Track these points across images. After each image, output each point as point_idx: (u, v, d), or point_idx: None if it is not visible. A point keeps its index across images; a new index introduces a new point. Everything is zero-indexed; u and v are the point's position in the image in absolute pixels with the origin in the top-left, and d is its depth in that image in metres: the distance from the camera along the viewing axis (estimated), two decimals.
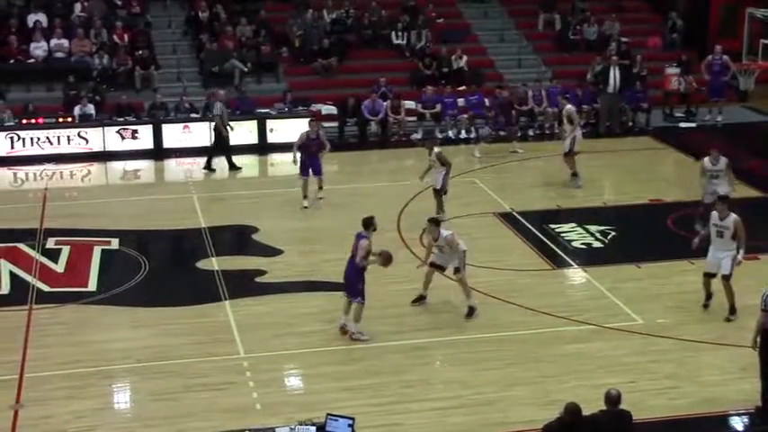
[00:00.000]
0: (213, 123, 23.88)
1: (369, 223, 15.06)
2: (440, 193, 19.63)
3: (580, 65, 28.88)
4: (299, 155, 21.01)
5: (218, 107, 23.74)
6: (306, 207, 20.78)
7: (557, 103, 26.51)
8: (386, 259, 14.92)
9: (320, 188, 21.05)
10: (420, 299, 16.21)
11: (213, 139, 24.09)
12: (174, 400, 13.29)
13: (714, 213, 15.45)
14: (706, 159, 18.42)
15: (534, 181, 22.96)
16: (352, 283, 14.97)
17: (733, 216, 15.28)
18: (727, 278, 15.31)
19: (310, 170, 20.78)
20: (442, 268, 16.01)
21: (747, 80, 23.14)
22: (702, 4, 31.69)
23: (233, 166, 23.88)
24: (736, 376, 13.75)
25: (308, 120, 22.21)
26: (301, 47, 28.94)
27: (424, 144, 21.02)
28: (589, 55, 29.00)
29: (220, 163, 24.00)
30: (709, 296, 15.69)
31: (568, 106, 22.51)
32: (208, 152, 24.07)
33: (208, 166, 23.84)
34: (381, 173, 23.92)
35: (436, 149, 19.80)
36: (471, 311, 15.73)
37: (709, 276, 15.52)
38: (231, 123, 23.97)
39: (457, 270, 15.72)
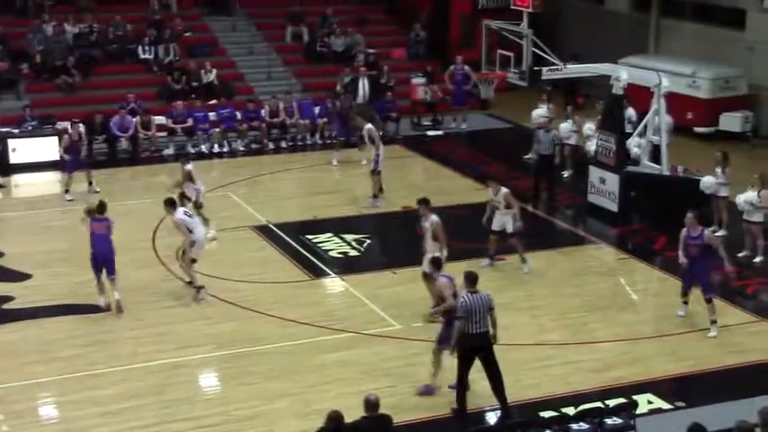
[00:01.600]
0: None
1: (105, 208, 16.78)
2: (196, 205, 19.51)
3: (329, 76, 29.28)
4: (66, 156, 22.56)
5: None
6: (71, 200, 21.73)
7: (309, 114, 26.82)
8: None
9: (91, 182, 22.51)
10: (189, 283, 16.94)
11: None
12: None
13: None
14: (490, 190, 18.17)
15: (289, 193, 23.10)
16: (112, 260, 16.35)
17: (432, 217, 15.98)
18: (425, 276, 15.91)
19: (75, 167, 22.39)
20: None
21: (487, 89, 24.14)
22: (442, 16, 32.89)
23: None
24: None
25: (68, 128, 23.23)
26: (43, 62, 27.90)
27: (178, 160, 20.86)
28: (337, 66, 29.49)
29: None
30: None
31: (368, 126, 22.01)
32: None
33: None
34: (133, 190, 23.36)
35: (188, 166, 19.66)
36: (198, 290, 16.55)
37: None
38: None
39: (184, 253, 16.81)
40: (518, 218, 17.94)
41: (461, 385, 13.29)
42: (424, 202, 16.31)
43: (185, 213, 17.04)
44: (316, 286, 17.87)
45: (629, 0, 31.69)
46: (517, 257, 18.16)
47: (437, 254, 15.36)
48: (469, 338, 13.03)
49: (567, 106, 25.17)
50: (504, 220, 17.91)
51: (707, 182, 19.73)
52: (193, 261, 16.85)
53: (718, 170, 19.72)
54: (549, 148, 22.41)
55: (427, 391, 13.77)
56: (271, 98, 27.30)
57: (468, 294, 13.03)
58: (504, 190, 17.95)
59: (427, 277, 15.76)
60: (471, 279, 13.16)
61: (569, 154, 23.93)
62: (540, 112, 24.66)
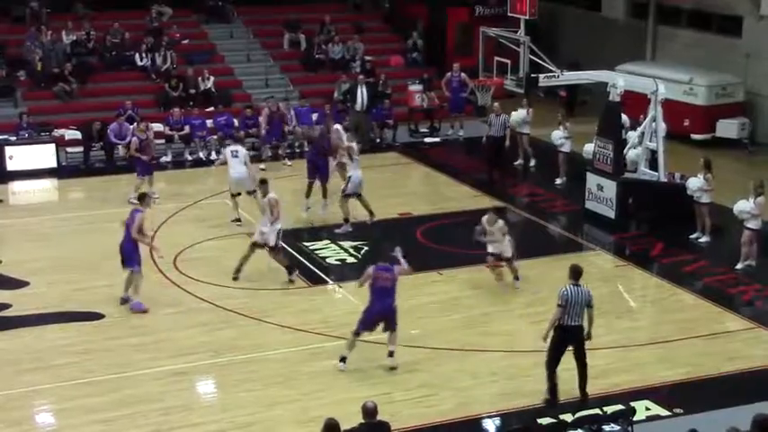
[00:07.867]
0: None
1: (143, 198, 17.21)
2: None
3: (327, 83, 29.32)
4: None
5: None
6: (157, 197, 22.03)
7: (307, 121, 26.80)
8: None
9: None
10: None
11: None
12: None
13: None
14: (486, 216, 17.65)
15: (286, 199, 22.97)
16: (129, 254, 16.41)
17: (268, 195, 17.73)
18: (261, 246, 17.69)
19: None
20: None
21: (485, 95, 24.15)
22: (440, 24, 32.93)
23: None
24: (487, 380, 14.37)
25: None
26: (41, 70, 27.90)
27: None
28: (335, 74, 29.51)
29: None
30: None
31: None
32: None
33: None
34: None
35: None
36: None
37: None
38: None
39: None
40: (510, 245, 17.59)
41: (550, 375, 13.47)
42: (262, 182, 18.32)
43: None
44: (313, 293, 17.84)
45: (626, 7, 31.76)
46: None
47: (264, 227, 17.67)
48: (563, 329, 13.27)
49: (558, 112, 25.22)
50: (502, 248, 17.51)
51: (693, 184, 19.76)
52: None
53: (701, 176, 19.74)
54: (500, 131, 23.82)
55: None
56: (269, 98, 27.11)
57: (570, 286, 13.27)
58: (499, 223, 17.55)
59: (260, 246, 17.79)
60: (575, 272, 13.44)
61: (562, 161, 23.87)
62: (519, 115, 24.95)
